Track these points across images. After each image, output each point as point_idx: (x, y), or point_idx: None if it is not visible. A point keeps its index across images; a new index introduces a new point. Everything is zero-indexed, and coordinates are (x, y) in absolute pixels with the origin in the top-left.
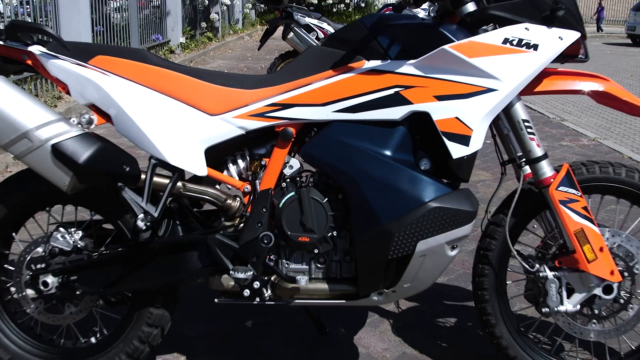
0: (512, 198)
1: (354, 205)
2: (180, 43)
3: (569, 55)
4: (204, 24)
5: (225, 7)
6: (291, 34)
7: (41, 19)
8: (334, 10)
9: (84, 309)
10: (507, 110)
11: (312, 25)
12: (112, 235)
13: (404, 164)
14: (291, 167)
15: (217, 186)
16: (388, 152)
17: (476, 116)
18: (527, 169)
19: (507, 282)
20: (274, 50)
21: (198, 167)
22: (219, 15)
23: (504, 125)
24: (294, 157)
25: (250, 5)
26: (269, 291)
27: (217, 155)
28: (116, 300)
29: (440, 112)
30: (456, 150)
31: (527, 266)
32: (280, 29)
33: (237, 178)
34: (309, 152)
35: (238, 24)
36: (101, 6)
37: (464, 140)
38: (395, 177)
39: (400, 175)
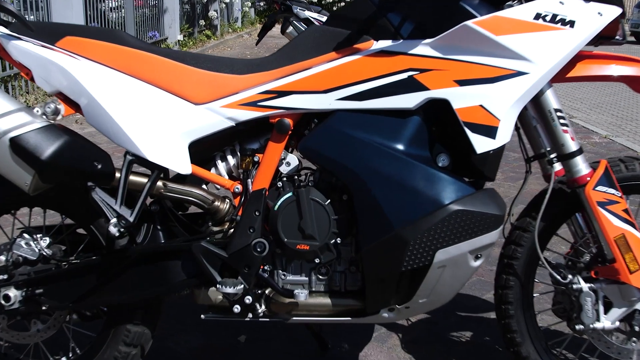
0: (540, 199)
1: (362, 207)
2: (178, 40)
3: (604, 36)
4: (202, 22)
5: (224, 5)
6: (290, 28)
7: (32, 16)
8: (334, 8)
9: (53, 325)
10: (536, 99)
11: (312, 19)
12: (86, 241)
13: (419, 159)
14: (288, 163)
15: (204, 186)
16: (400, 146)
17: (504, 104)
18: (557, 166)
19: (534, 295)
20: (273, 48)
21: (181, 164)
22: (217, 13)
23: (531, 115)
24: (291, 152)
25: (250, 4)
26: (263, 306)
27: (203, 150)
28: (91, 315)
29: (461, 99)
30: (480, 144)
31: (558, 277)
32: (279, 25)
33: (226, 177)
34: (309, 147)
35: (237, 22)
36: (96, 2)
37: (490, 132)
38: (409, 175)
39: (415, 173)
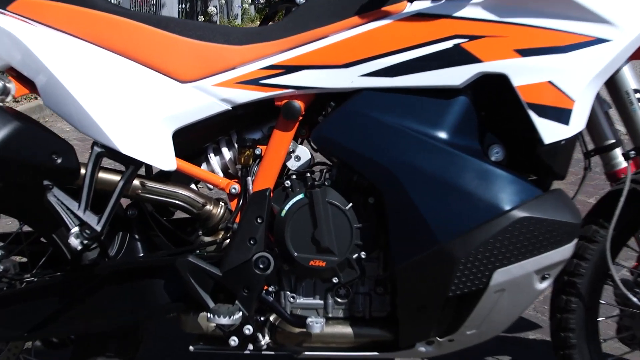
0: (609, 202)
1: (394, 213)
2: None
3: None
4: (201, 18)
5: (223, 1)
6: None
7: None
8: None
9: (7, 358)
10: (610, 76)
11: None
12: (48, 254)
13: (469, 152)
14: (298, 158)
15: (193, 186)
16: (444, 135)
17: (580, 80)
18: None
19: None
20: None
21: (163, 157)
22: (217, 9)
23: (601, 97)
24: (301, 143)
25: (250, 0)
26: (267, 337)
27: (192, 141)
28: (57, 342)
29: (524, 73)
30: (549, 132)
31: (634, 299)
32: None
33: (220, 174)
34: (325, 136)
35: (237, 19)
36: None
37: (561, 116)
38: (457, 171)
39: (465, 169)
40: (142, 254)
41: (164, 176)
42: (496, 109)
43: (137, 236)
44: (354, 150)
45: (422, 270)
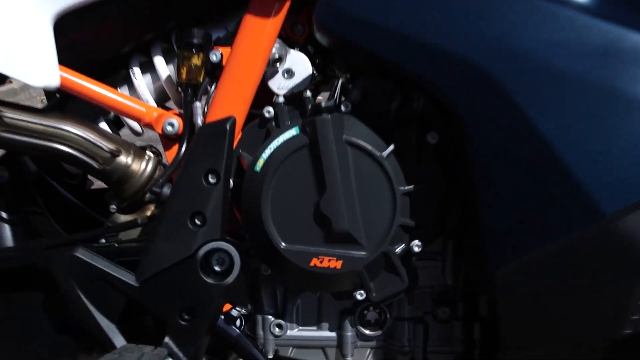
0: None
1: (491, 162)
2: None
3: None
4: None
5: None
6: None
7: None
8: None
9: None
10: None
11: None
12: None
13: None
14: (290, 72)
15: (102, 123)
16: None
17: None
18: None
19: None
20: None
21: (34, 66)
22: None
23: None
24: (301, 50)
25: None
26: None
27: (98, 42)
28: None
29: None
30: None
31: None
32: None
33: (152, 102)
34: (344, 9)
35: None
36: None
37: None
38: (631, 68)
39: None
40: (11, 245)
41: (53, 108)
42: None
43: (4, 215)
44: (402, 35)
45: (557, 276)
